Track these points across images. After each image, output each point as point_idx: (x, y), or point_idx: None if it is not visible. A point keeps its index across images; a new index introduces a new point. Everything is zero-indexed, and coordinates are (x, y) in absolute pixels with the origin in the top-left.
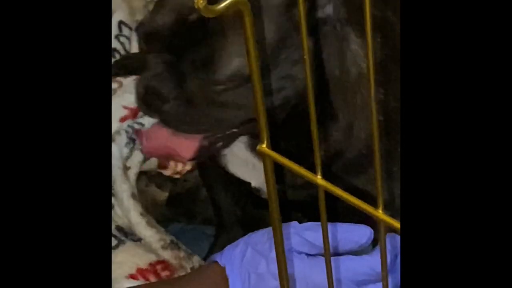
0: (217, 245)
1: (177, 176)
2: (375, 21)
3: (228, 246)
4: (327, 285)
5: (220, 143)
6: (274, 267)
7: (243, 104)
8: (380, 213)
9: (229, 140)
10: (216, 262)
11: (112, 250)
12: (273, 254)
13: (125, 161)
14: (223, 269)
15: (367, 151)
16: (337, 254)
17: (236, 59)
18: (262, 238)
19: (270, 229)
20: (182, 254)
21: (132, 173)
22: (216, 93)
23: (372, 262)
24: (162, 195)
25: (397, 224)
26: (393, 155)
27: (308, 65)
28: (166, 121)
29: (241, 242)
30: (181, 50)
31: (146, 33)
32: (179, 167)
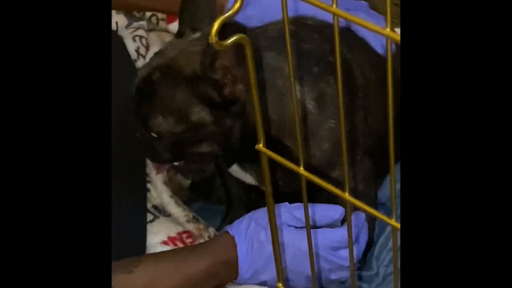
0: (227, 219)
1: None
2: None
3: (237, 220)
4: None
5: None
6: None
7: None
8: (346, 195)
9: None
10: (227, 232)
11: (150, 223)
12: None
13: None
14: (232, 238)
15: (326, 163)
16: (317, 227)
17: (159, 117)
18: (262, 214)
19: None
20: (201, 226)
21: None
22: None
23: (343, 233)
24: (186, 182)
25: (359, 204)
26: (355, 155)
27: (293, 86)
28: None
29: (246, 217)
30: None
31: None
32: None
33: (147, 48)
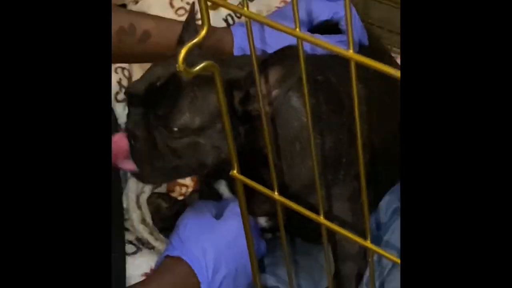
0: None
1: (181, 197)
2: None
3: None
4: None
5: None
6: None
7: (194, 154)
8: (321, 219)
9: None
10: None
11: (132, 255)
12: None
13: (139, 191)
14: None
15: (309, 182)
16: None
17: (186, 114)
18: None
19: None
20: None
21: (145, 197)
22: (172, 143)
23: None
24: (164, 205)
25: (334, 227)
26: (330, 182)
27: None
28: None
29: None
30: (150, 106)
31: (128, 93)
32: (183, 190)
33: (129, 79)
